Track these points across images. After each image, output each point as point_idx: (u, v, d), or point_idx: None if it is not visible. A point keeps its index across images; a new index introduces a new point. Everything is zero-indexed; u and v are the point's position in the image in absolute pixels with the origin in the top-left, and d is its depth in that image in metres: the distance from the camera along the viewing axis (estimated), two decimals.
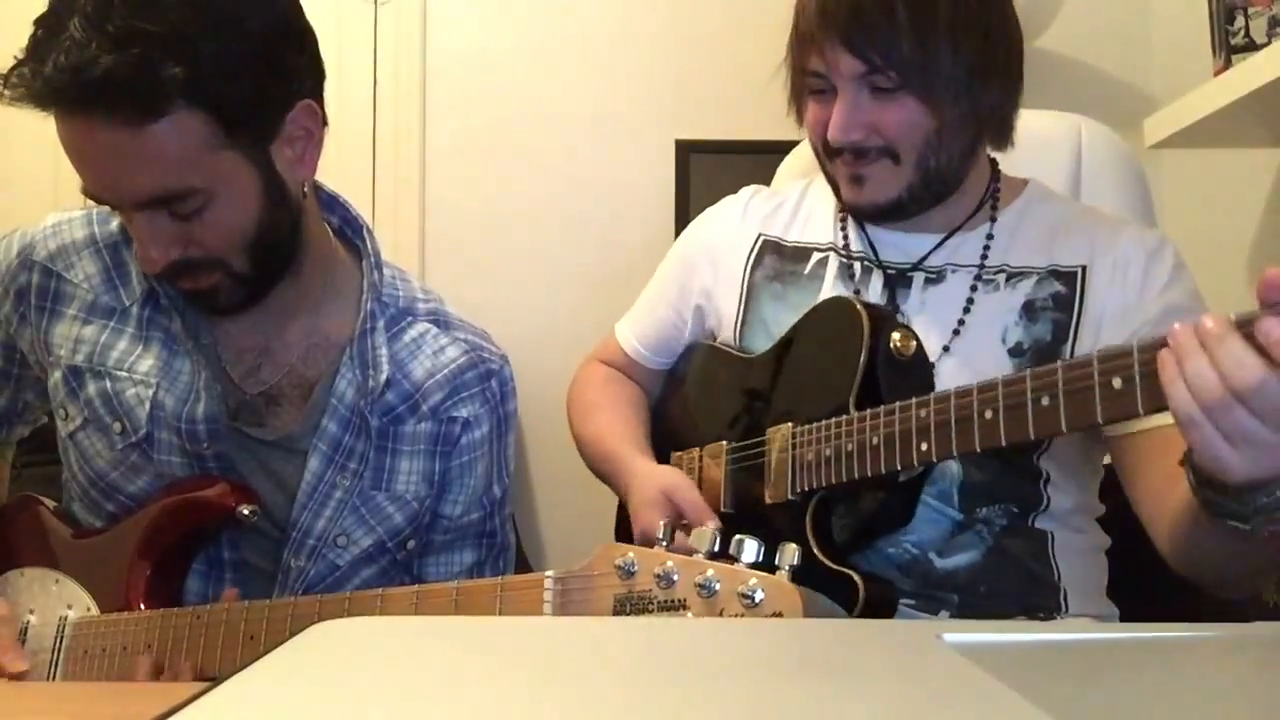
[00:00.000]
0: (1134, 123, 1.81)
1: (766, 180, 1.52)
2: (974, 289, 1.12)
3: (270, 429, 1.11)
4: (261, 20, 0.96)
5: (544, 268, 2.23)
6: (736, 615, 0.73)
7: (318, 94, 1.04)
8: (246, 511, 1.06)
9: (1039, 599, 1.08)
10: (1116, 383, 0.79)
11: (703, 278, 1.27)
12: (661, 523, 0.80)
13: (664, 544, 0.79)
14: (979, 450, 0.89)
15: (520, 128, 2.26)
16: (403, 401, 1.13)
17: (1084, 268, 1.10)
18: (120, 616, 1.08)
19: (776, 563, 0.73)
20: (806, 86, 1.12)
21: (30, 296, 1.11)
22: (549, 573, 0.82)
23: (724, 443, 1.14)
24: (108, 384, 1.08)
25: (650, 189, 2.22)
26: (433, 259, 2.23)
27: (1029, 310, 1.10)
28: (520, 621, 0.94)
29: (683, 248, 1.33)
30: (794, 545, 0.73)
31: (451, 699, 0.47)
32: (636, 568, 0.77)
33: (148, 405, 1.07)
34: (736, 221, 1.27)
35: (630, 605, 0.77)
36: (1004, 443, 0.87)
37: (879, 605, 0.95)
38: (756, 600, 0.72)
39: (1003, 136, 1.15)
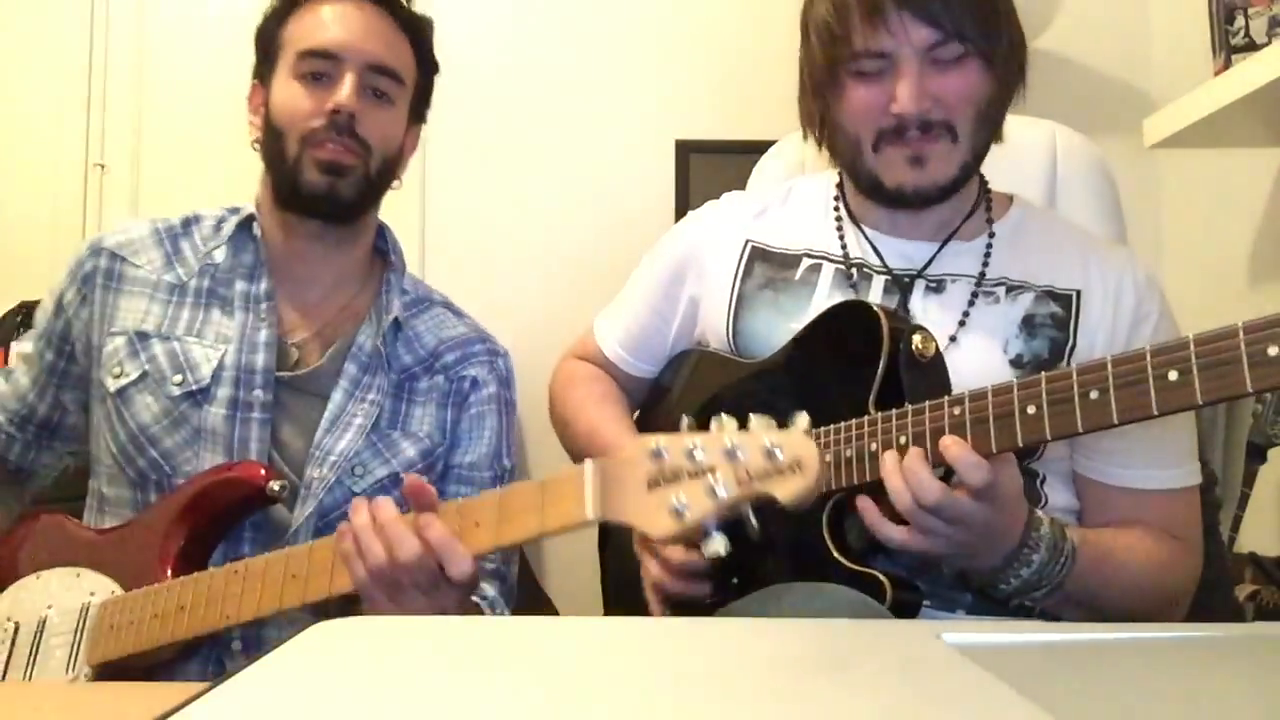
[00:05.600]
0: (1134, 123, 1.81)
1: None
2: (973, 300, 1.12)
3: (297, 369, 1.24)
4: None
5: (544, 268, 2.23)
6: (761, 471, 0.80)
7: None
8: (276, 487, 1.13)
9: None
10: (1173, 375, 0.80)
11: (690, 286, 1.26)
12: (685, 418, 0.84)
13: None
14: (1020, 446, 0.89)
15: (520, 128, 2.26)
16: (419, 363, 1.29)
17: (1078, 292, 1.11)
18: (149, 589, 1.10)
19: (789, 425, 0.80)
20: (853, 71, 1.09)
21: (96, 278, 1.26)
22: (588, 462, 0.88)
23: None
24: (176, 345, 1.22)
25: (650, 189, 2.22)
26: (433, 259, 2.23)
27: (1029, 324, 1.10)
28: (520, 622, 0.93)
29: (668, 253, 1.31)
30: (805, 412, 0.80)
31: (452, 699, 0.47)
32: (666, 450, 0.84)
33: (214, 363, 1.21)
34: (721, 229, 1.25)
35: (663, 480, 0.84)
36: (1049, 437, 0.88)
37: (904, 607, 0.96)
38: (777, 455, 0.80)
39: (1000, 127, 1.16)
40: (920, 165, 1.09)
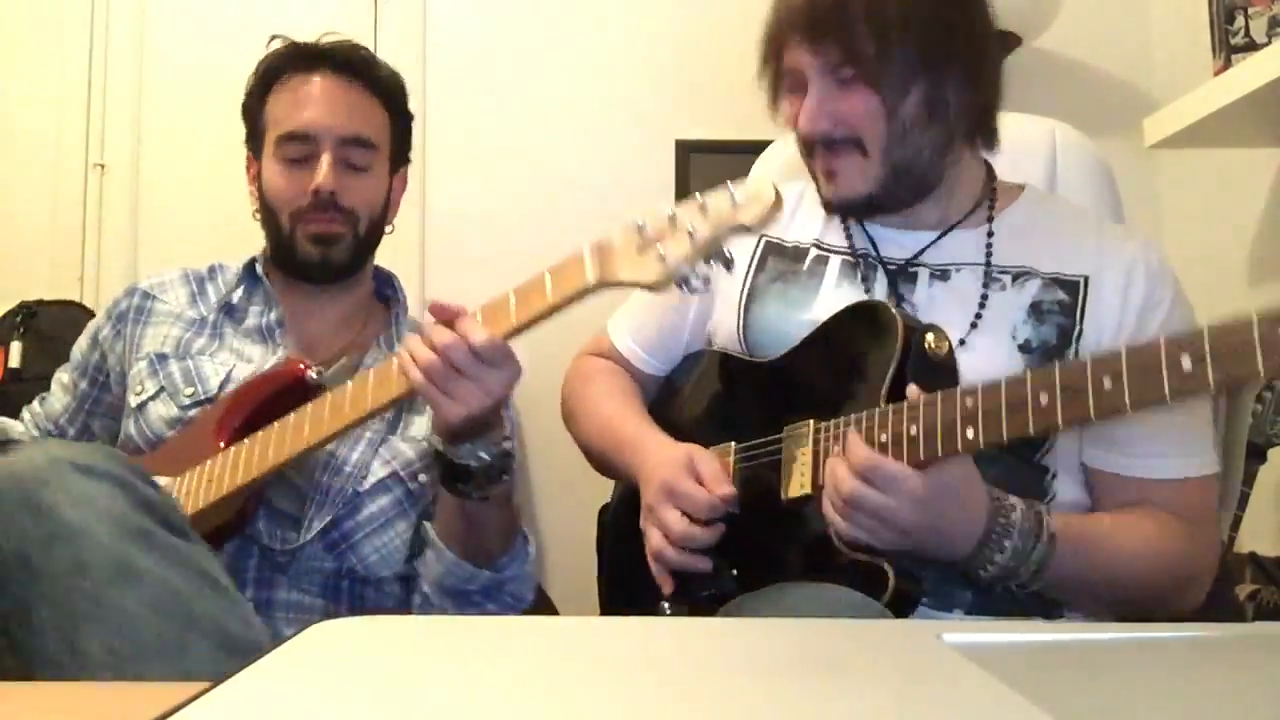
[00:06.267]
0: (1134, 123, 1.81)
1: None
2: (986, 287, 1.12)
3: None
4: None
5: (543, 267, 2.22)
6: (729, 211, 0.96)
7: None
8: (315, 374, 1.26)
9: (1047, 599, 1.08)
10: (1186, 363, 0.81)
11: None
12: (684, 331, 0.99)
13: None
14: (1031, 433, 0.90)
15: (520, 128, 2.26)
16: None
17: (1086, 278, 1.12)
18: (201, 466, 1.18)
19: None
20: (783, 85, 1.16)
21: (129, 314, 1.39)
22: (585, 245, 1.04)
23: (731, 444, 1.14)
24: (190, 363, 1.33)
25: (650, 189, 2.22)
26: (433, 259, 2.23)
27: (1036, 310, 1.11)
28: (520, 621, 0.94)
29: None
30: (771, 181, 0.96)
31: (451, 699, 0.47)
32: (648, 221, 0.99)
33: (222, 376, 1.31)
34: None
35: (649, 243, 0.99)
36: (1060, 424, 0.88)
37: (905, 598, 0.97)
38: (738, 198, 0.96)
39: (983, 135, 1.16)
40: (831, 179, 1.15)
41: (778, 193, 0.93)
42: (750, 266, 1.23)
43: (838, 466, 0.97)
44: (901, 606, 0.96)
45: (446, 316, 1.06)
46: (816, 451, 1.04)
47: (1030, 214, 1.18)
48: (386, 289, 1.47)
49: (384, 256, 1.52)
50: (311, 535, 1.24)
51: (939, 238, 1.16)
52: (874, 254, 1.17)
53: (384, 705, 0.46)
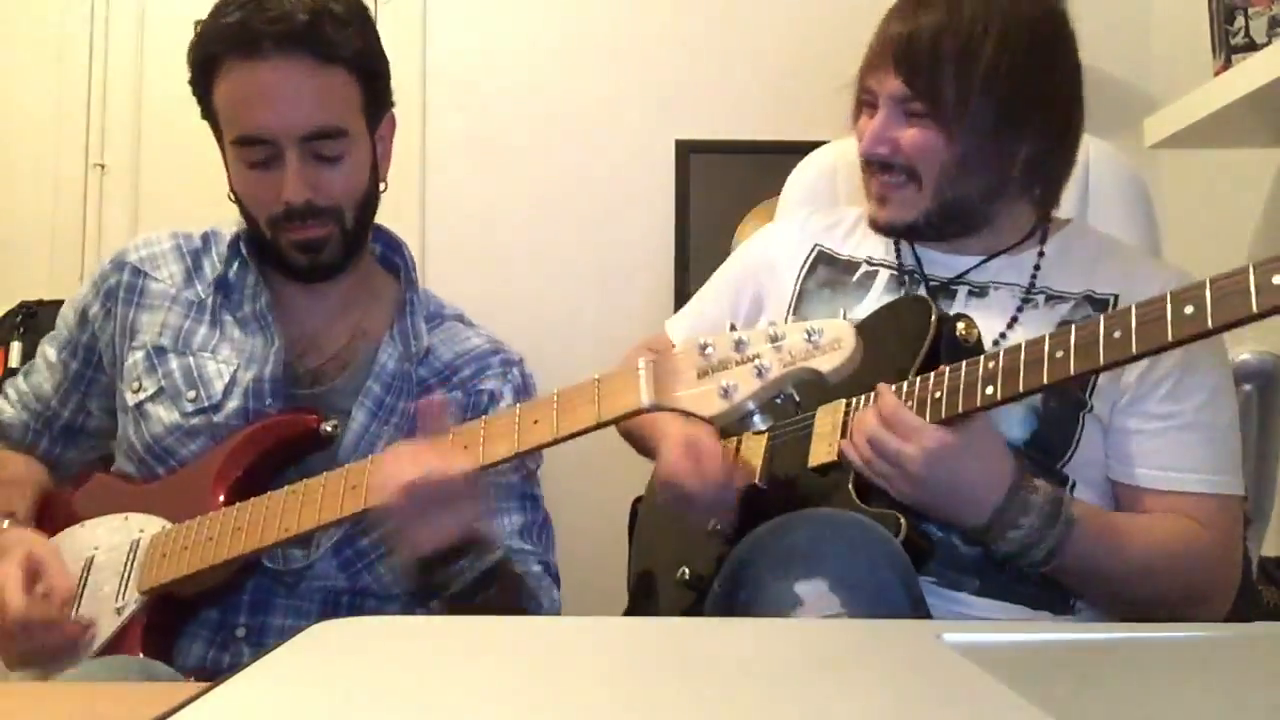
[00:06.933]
0: (1134, 123, 1.81)
1: (765, 179, 1.53)
2: (1020, 308, 1.16)
3: (315, 390, 1.26)
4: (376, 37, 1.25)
5: (544, 267, 2.23)
6: (803, 352, 0.87)
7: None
8: (329, 427, 1.19)
9: (1056, 592, 1.09)
10: (1189, 309, 0.87)
11: (758, 283, 1.33)
12: (728, 322, 0.94)
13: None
14: (1046, 384, 0.94)
15: (520, 128, 2.26)
16: (434, 376, 1.28)
17: (1116, 296, 1.15)
18: (201, 517, 1.13)
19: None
20: (862, 102, 1.21)
21: (119, 293, 1.28)
22: (640, 360, 0.94)
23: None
24: (191, 361, 1.24)
25: (650, 189, 2.22)
26: (433, 259, 2.23)
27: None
28: (521, 622, 0.94)
29: (743, 255, 1.39)
30: (844, 311, 0.92)
31: (452, 699, 0.47)
32: (714, 345, 0.91)
33: (226, 379, 1.22)
34: (795, 234, 1.33)
35: (711, 369, 0.91)
36: (1072, 373, 0.93)
37: (917, 549, 0.99)
38: (817, 337, 0.87)
39: (1039, 186, 1.19)
40: (882, 203, 1.19)
41: (858, 339, 0.87)
42: (802, 271, 1.28)
43: (865, 413, 1.02)
44: (913, 555, 0.98)
45: (433, 423, 1.01)
46: (845, 423, 1.07)
47: (1071, 241, 1.22)
48: (395, 256, 1.34)
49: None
50: (321, 553, 1.19)
51: (984, 261, 1.20)
52: (919, 271, 1.22)
53: (383, 705, 0.46)
